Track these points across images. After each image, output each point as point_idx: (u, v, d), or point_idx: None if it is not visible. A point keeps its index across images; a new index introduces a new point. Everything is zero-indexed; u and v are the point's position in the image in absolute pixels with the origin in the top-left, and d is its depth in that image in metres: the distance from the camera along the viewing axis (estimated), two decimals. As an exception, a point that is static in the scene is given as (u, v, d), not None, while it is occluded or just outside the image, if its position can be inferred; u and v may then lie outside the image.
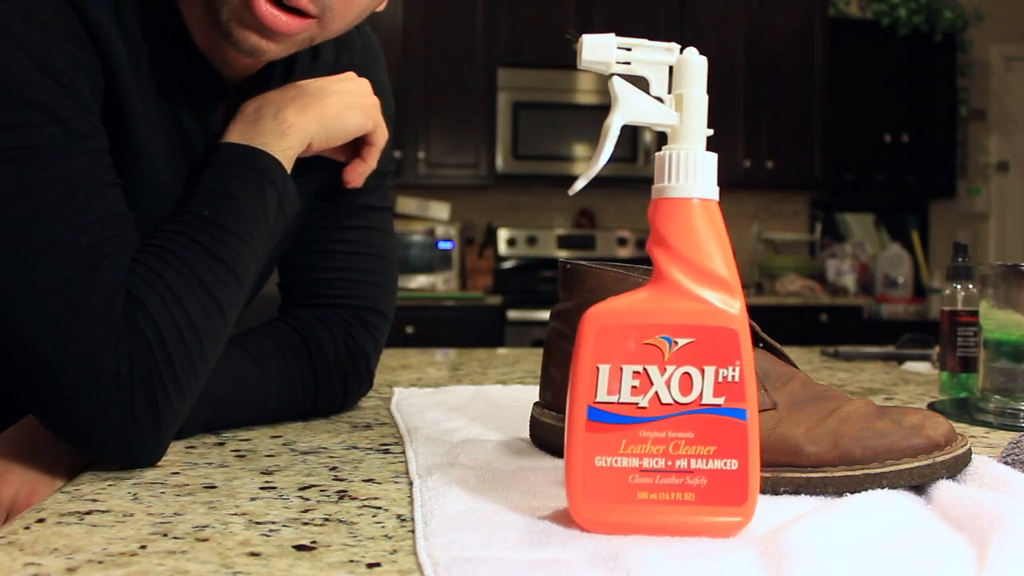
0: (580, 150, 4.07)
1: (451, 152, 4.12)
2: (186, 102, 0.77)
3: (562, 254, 4.30)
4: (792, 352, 1.50)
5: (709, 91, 0.52)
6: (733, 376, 0.49)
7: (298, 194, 0.78)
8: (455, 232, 4.11)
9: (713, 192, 0.51)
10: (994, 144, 4.98)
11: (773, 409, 0.60)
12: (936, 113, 4.58)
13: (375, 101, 0.84)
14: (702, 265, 0.49)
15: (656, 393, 0.49)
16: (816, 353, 1.60)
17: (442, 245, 4.07)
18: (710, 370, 0.49)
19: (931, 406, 0.96)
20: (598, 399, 0.49)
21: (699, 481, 0.48)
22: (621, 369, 0.49)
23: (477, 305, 3.85)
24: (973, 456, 0.59)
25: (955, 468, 0.57)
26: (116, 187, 0.68)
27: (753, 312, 0.68)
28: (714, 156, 0.51)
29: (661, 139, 0.52)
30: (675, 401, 0.49)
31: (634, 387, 0.49)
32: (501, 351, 1.65)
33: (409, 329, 3.69)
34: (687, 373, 0.49)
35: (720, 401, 0.49)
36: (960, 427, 0.82)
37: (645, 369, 0.49)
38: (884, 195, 4.62)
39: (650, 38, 0.52)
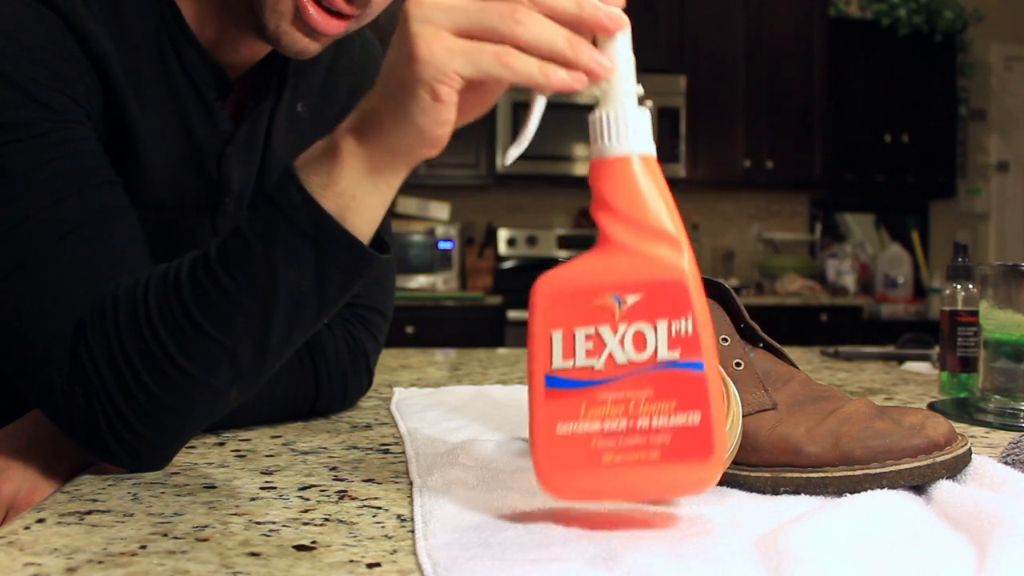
0: (580, 150, 4.06)
1: (451, 152, 4.10)
2: (192, 100, 0.77)
3: (562, 254, 4.30)
4: (792, 352, 1.50)
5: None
6: (686, 329, 0.48)
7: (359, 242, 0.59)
8: (455, 232, 4.10)
9: (650, 148, 0.51)
10: (994, 144, 4.98)
11: (773, 409, 0.60)
12: (936, 113, 4.58)
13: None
14: (645, 222, 0.49)
15: (611, 354, 0.48)
16: (816, 353, 1.60)
17: (442, 245, 4.07)
18: (662, 325, 0.48)
19: (931, 406, 0.96)
20: (554, 367, 0.49)
21: (663, 439, 0.47)
22: (574, 334, 0.49)
23: (477, 305, 3.85)
24: (973, 456, 0.59)
25: (955, 468, 0.57)
26: (95, 188, 0.66)
27: (753, 312, 0.68)
28: (647, 112, 0.51)
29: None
30: (630, 361, 0.48)
31: (588, 350, 0.49)
32: (501, 351, 1.65)
33: (409, 329, 3.69)
34: (640, 331, 0.48)
35: (675, 355, 0.48)
36: (960, 427, 0.82)
37: (597, 331, 0.49)
38: (884, 195, 4.62)
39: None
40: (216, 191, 0.82)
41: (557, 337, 0.49)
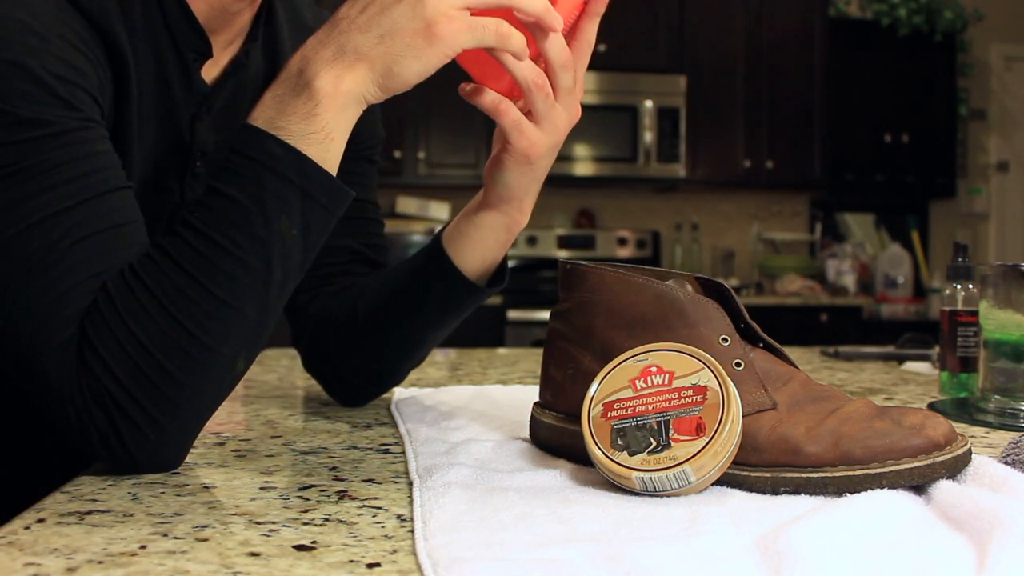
0: (580, 150, 4.07)
1: (451, 152, 4.12)
2: (171, 59, 0.75)
3: (562, 254, 4.30)
4: (792, 352, 1.50)
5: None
6: None
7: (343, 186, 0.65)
8: (455, 232, 4.10)
9: None
10: (994, 144, 4.98)
11: (773, 409, 0.60)
12: (936, 113, 4.58)
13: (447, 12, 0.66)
14: None
15: None
16: (816, 353, 1.60)
17: (442, 245, 4.06)
18: None
19: (931, 406, 0.96)
20: None
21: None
22: None
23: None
24: (973, 456, 0.59)
25: (955, 468, 0.57)
26: (112, 194, 0.64)
27: (753, 312, 0.68)
28: None
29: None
30: None
31: None
32: (501, 351, 1.65)
33: (409, 329, 3.69)
34: None
35: None
36: (960, 427, 0.82)
37: None
38: (884, 195, 4.62)
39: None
40: (185, 154, 0.80)
41: None
